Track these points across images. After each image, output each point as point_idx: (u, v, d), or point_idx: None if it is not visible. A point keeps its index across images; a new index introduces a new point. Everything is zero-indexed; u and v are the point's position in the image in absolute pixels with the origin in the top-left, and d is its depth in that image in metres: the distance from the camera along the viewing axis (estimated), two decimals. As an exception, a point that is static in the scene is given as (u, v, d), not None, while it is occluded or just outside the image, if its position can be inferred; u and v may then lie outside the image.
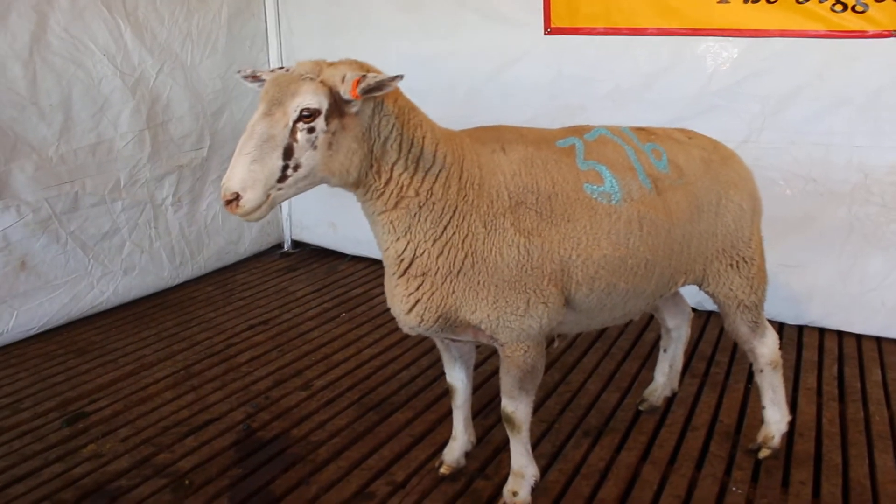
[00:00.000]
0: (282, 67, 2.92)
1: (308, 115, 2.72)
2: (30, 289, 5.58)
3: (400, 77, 2.72)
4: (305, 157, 2.74)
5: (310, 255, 7.79)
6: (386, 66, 2.94)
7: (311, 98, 2.72)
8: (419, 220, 3.01)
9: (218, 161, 6.98)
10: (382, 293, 6.30)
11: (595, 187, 3.26)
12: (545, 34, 6.03)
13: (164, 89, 6.42)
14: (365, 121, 2.86)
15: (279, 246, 8.00)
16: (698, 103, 5.61)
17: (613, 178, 3.30)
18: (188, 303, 6.43)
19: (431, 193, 3.00)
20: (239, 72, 3.03)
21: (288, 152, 2.71)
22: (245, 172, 2.67)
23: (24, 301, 5.56)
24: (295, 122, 2.72)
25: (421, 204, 2.99)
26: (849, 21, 5.03)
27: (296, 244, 8.02)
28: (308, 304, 6.36)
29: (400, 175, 2.96)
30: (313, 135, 2.74)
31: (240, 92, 7.16)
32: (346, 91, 2.74)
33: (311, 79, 2.77)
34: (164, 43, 6.39)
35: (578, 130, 3.48)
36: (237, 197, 2.66)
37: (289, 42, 7.41)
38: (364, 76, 2.71)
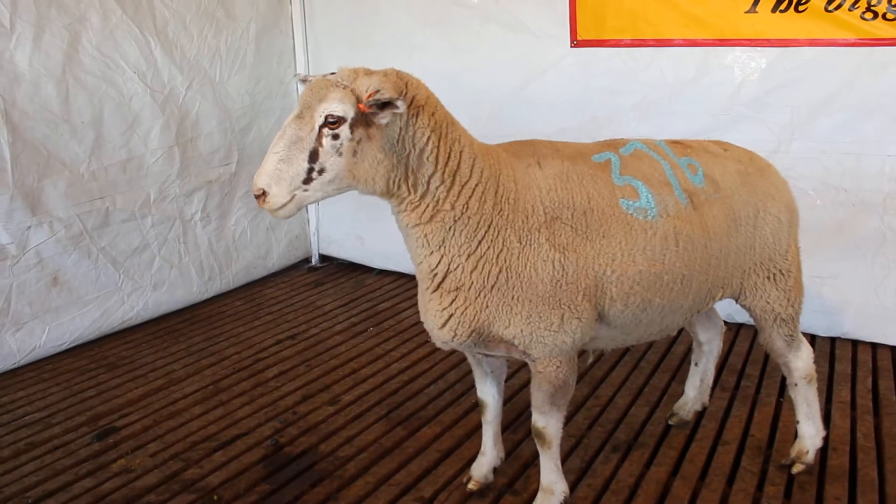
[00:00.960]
0: (333, 73, 2.93)
1: (333, 122, 2.75)
2: (62, 304, 5.65)
3: (401, 104, 2.76)
4: (330, 162, 2.78)
5: (337, 269, 7.82)
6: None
7: (337, 105, 2.75)
8: (454, 235, 3.00)
9: (246, 176, 7.04)
10: (410, 307, 6.41)
11: (631, 203, 3.23)
12: (571, 47, 6.03)
13: (193, 106, 6.49)
14: (394, 133, 2.85)
15: (307, 260, 8.04)
16: (727, 114, 5.57)
17: (649, 193, 3.27)
18: (217, 317, 6.47)
19: (467, 207, 2.98)
20: (296, 74, 3.10)
21: (314, 156, 2.77)
22: (272, 170, 2.76)
23: (56, 316, 5.63)
24: (321, 128, 2.76)
25: (456, 218, 2.98)
26: (879, 29, 4.97)
27: (323, 258, 8.05)
28: (336, 319, 6.37)
29: (437, 188, 2.96)
30: (338, 141, 2.77)
31: (268, 108, 7.23)
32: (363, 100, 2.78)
33: (343, 86, 2.79)
34: (194, 60, 6.47)
35: (614, 144, 3.46)
36: (264, 192, 2.76)
37: (316, 58, 7.45)
38: (378, 90, 2.74)
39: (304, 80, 2.99)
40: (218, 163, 6.79)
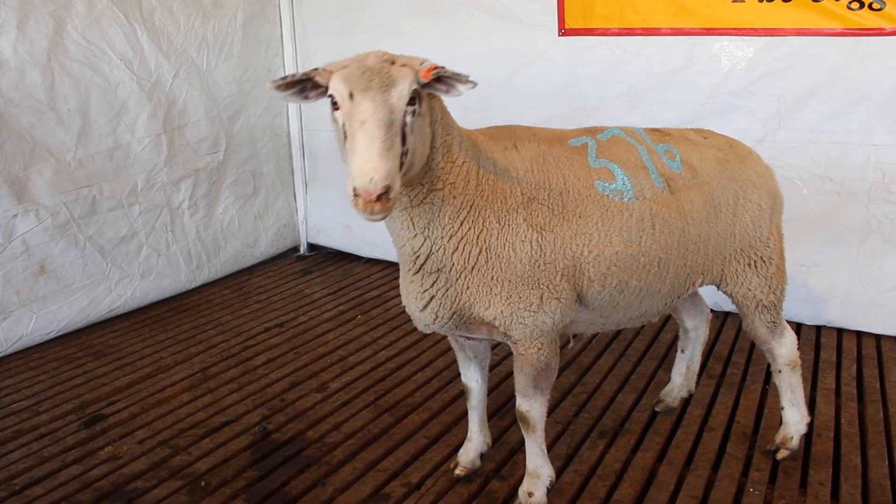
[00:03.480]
0: (329, 65, 2.79)
1: (412, 100, 2.65)
2: (48, 293, 5.63)
3: (473, 84, 2.66)
4: (411, 141, 2.67)
5: (325, 258, 7.82)
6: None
7: (413, 82, 2.64)
8: (439, 216, 2.98)
9: (234, 165, 7.03)
10: (398, 295, 6.35)
11: (607, 184, 3.26)
12: (559, 35, 6.03)
13: (180, 94, 6.47)
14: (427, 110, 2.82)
15: (295, 249, 8.04)
16: (713, 103, 5.59)
17: (625, 175, 3.31)
18: (205, 306, 6.46)
19: (454, 186, 2.97)
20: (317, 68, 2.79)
21: (404, 138, 2.63)
22: (388, 161, 2.51)
23: (43, 305, 5.61)
24: (406, 107, 2.63)
25: (444, 198, 2.96)
26: (865, 19, 5.00)
27: (311, 247, 8.05)
28: (324, 307, 6.38)
29: (438, 166, 2.94)
30: (414, 119, 2.67)
31: (255, 96, 7.21)
32: (420, 76, 2.67)
33: (404, 64, 2.69)
34: (181, 48, 6.44)
35: (591, 131, 3.50)
36: (387, 190, 2.48)
37: (304, 46, 7.44)
38: (442, 67, 2.66)
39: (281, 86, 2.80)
40: (206, 151, 6.77)
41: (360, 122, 2.56)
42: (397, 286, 6.56)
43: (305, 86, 2.80)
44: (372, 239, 7.36)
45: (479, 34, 6.39)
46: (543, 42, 6.12)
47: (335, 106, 2.68)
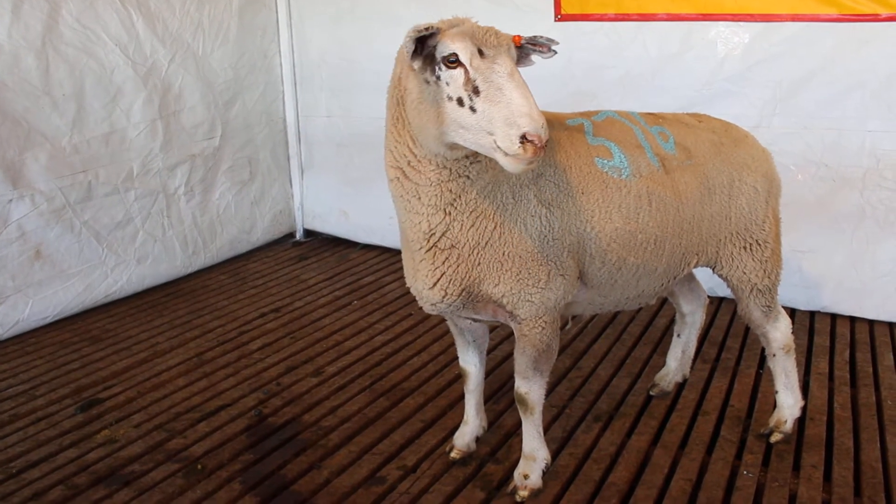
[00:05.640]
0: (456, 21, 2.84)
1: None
2: (44, 278, 5.63)
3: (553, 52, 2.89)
4: None
5: (321, 243, 7.83)
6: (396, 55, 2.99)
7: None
8: (469, 190, 2.98)
9: (230, 150, 7.02)
10: (394, 280, 6.43)
11: (605, 161, 3.29)
12: (556, 21, 6.02)
13: (175, 79, 6.45)
14: None
15: (291, 235, 8.04)
16: (709, 89, 5.60)
17: (622, 153, 3.33)
18: (201, 291, 6.47)
19: (490, 159, 2.88)
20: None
21: None
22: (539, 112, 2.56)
23: (39, 290, 5.61)
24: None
25: (479, 171, 2.96)
26: (861, 4, 5.00)
27: (308, 233, 8.05)
28: (320, 292, 6.39)
29: None
30: None
31: (251, 81, 7.20)
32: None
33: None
34: (176, 33, 6.42)
35: (586, 114, 3.53)
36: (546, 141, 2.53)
37: (300, 31, 7.42)
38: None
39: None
40: (201, 136, 6.76)
41: (507, 74, 2.61)
42: (393, 271, 6.61)
43: (426, 43, 2.74)
44: (368, 225, 7.36)
45: (475, 19, 6.34)
46: (540, 27, 6.06)
47: (452, 64, 2.66)
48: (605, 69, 5.94)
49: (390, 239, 7.03)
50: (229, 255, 7.27)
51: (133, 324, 5.74)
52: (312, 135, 7.70)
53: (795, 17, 5.24)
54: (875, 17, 4.99)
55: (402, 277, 3.43)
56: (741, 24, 5.43)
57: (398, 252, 3.27)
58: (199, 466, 3.83)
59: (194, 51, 6.60)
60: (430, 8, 6.45)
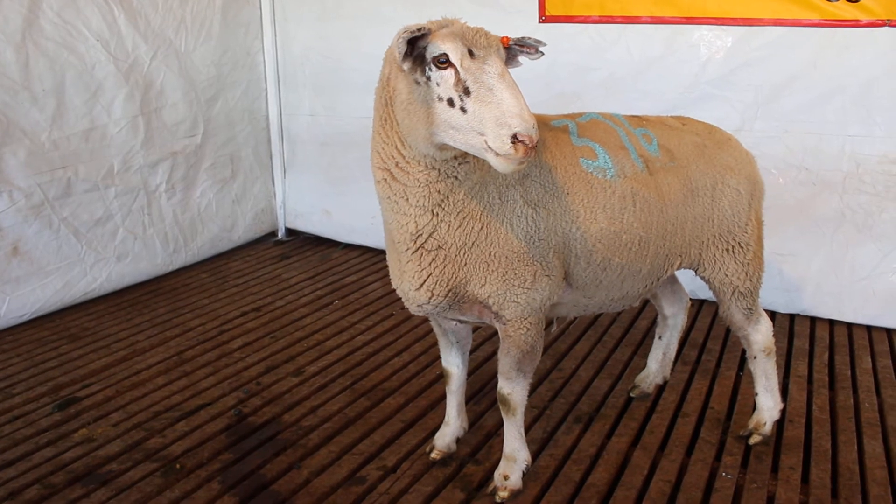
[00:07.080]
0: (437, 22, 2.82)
1: None
2: (22, 275, 5.57)
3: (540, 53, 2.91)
4: None
5: (303, 242, 7.80)
6: (381, 54, 2.99)
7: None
8: (457, 191, 2.98)
9: (212, 148, 6.98)
10: (376, 280, 6.41)
11: (590, 162, 3.30)
12: (540, 22, 6.03)
13: (157, 76, 6.41)
14: None
15: (273, 234, 8.00)
16: (692, 92, 5.62)
17: (606, 154, 3.35)
18: (181, 290, 6.42)
19: (478, 160, 2.92)
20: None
21: None
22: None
23: (17, 287, 5.55)
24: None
25: (467, 172, 2.95)
26: (842, 10, 5.04)
27: (290, 232, 8.02)
28: (301, 292, 6.36)
29: None
30: None
31: (234, 79, 7.16)
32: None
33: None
34: (158, 29, 6.37)
35: (571, 115, 3.53)
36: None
37: (283, 29, 7.39)
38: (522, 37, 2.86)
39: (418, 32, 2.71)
40: (183, 134, 6.71)
41: (498, 75, 2.62)
42: (375, 271, 6.59)
43: (416, 43, 2.72)
44: (350, 224, 7.34)
45: (463, 20, 6.35)
46: (524, 29, 6.10)
47: (443, 65, 2.65)
48: (589, 71, 5.95)
49: (373, 238, 7.01)
50: (210, 253, 7.23)
51: (112, 322, 5.69)
52: (295, 133, 7.67)
53: (777, 22, 5.27)
54: (856, 23, 5.03)
55: (385, 277, 3.43)
56: (724, 27, 5.46)
57: (381, 252, 3.26)
58: (178, 466, 3.80)
59: (176, 47, 6.55)
60: (416, 8, 6.50)
